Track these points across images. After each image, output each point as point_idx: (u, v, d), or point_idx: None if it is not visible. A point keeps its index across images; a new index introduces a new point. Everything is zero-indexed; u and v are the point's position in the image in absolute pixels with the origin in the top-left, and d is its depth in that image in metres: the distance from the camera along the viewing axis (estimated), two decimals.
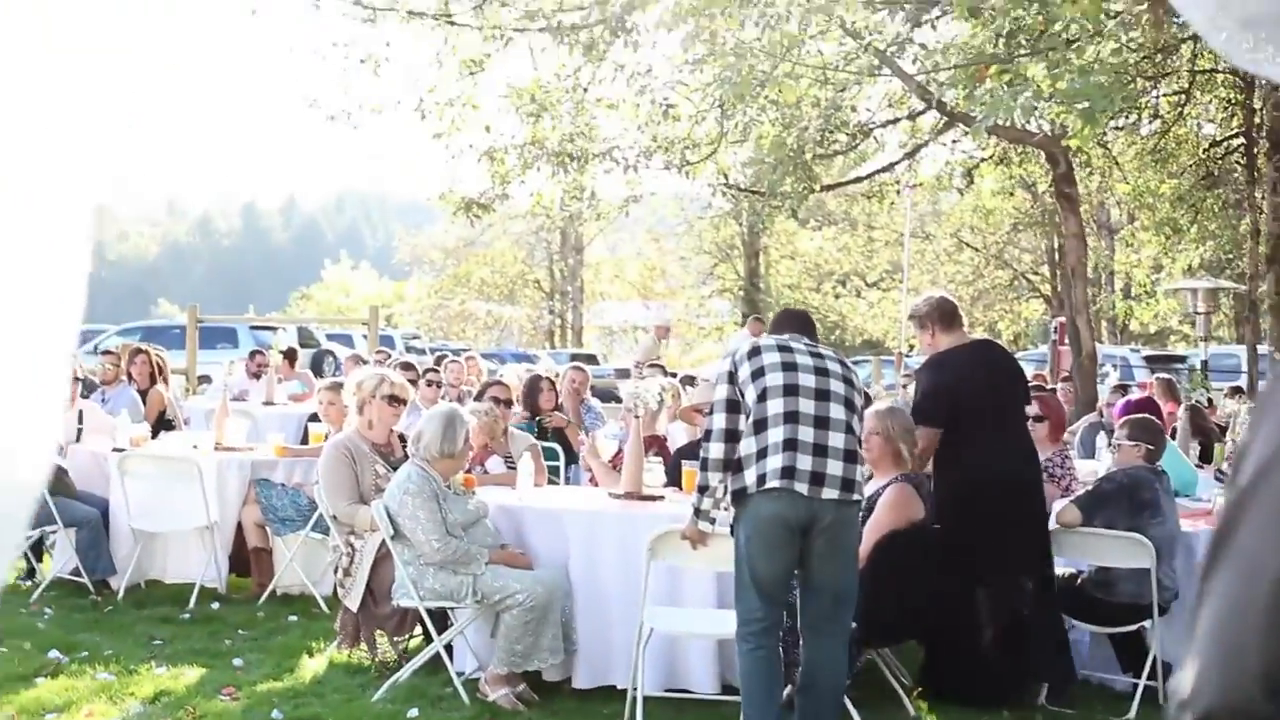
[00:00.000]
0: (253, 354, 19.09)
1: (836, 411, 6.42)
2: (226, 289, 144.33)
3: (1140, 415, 8.76)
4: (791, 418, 6.32)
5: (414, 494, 7.54)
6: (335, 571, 8.51)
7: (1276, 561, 1.40)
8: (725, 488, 6.50)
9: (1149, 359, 33.49)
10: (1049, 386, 17.23)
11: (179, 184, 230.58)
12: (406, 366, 13.61)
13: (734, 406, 6.49)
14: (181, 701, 7.37)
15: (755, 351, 6.54)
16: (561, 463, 11.46)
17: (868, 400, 8.68)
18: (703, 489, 6.58)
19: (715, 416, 6.54)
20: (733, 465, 6.44)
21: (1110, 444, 9.02)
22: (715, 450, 6.48)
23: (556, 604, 7.51)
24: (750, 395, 6.42)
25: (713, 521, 6.65)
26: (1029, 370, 31.26)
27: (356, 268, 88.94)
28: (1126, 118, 21.59)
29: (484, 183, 21.45)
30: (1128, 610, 7.72)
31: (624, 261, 67.15)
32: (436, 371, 14.41)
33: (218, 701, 7.42)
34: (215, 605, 9.85)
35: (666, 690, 7.55)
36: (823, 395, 6.42)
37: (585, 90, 20.30)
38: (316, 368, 28.52)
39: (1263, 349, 24.15)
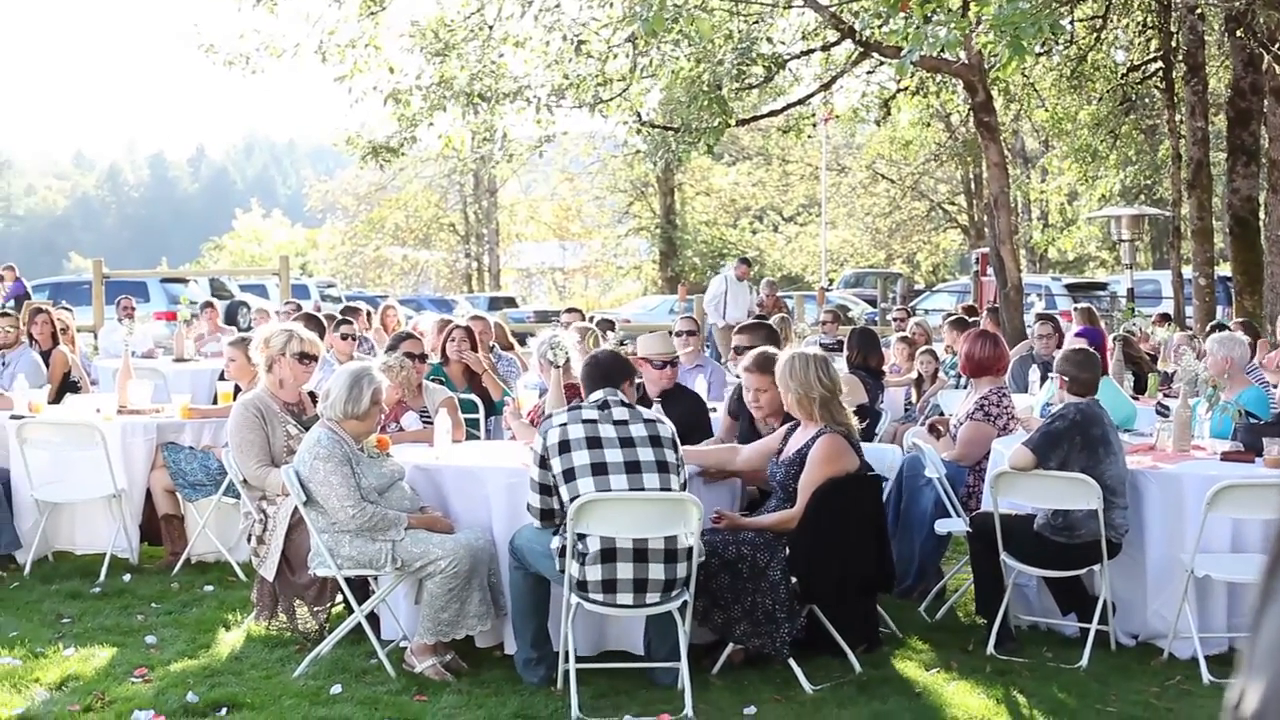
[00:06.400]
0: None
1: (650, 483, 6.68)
2: (138, 241, 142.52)
3: (1075, 347, 8.45)
4: (609, 542, 6.58)
5: (324, 459, 7.16)
6: (249, 539, 8.12)
7: None
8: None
9: (1070, 287, 33.43)
10: (971, 320, 17.06)
11: (85, 136, 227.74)
12: (310, 318, 13.13)
13: (546, 490, 6.83)
14: (91, 686, 6.97)
15: (565, 447, 6.76)
16: (481, 415, 11.11)
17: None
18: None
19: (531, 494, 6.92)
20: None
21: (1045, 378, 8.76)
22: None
23: (481, 567, 7.17)
24: (565, 494, 6.71)
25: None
26: (950, 303, 31.34)
27: (269, 216, 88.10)
28: (1044, 45, 21.38)
29: (390, 126, 21.04)
30: (1089, 548, 7.39)
31: (538, 202, 66.88)
32: (350, 324, 13.93)
33: (129, 685, 7.01)
34: (127, 577, 9.41)
35: (600, 654, 7.25)
36: (633, 470, 6.68)
37: (491, 28, 19.87)
38: (231, 319, 28.04)
39: (1186, 273, 24.06)
